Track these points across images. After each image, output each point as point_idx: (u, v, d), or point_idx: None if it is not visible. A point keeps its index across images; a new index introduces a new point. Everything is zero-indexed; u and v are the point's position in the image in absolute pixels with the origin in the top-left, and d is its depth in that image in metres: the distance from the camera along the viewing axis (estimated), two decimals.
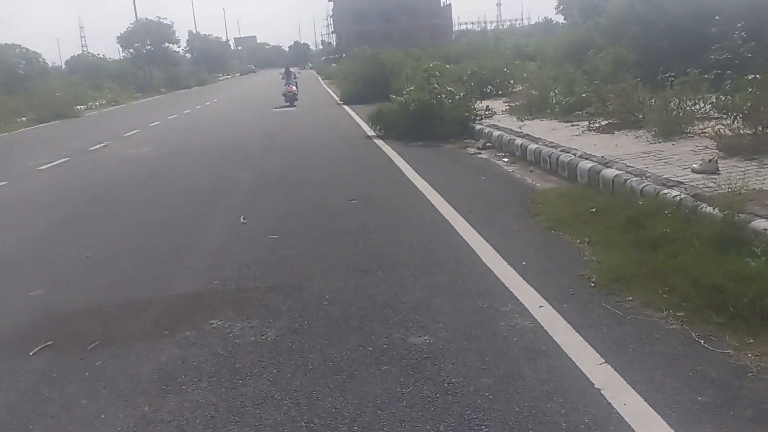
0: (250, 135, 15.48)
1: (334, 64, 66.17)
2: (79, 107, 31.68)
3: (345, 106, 22.59)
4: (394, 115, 13.19)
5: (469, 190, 7.72)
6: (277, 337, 3.86)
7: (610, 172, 6.81)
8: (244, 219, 6.76)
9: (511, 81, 17.97)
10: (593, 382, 3.16)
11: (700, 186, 5.75)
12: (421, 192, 7.70)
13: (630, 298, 4.11)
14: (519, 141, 9.71)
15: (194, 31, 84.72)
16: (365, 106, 20.88)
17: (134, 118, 24.41)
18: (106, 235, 6.59)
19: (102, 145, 15.23)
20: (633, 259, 4.63)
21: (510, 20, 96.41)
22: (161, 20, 57.01)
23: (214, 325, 4.07)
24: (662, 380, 3.14)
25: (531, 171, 8.62)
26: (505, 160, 9.64)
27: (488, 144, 10.91)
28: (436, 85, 12.84)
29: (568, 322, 3.83)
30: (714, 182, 5.80)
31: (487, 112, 12.92)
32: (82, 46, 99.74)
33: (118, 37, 55.58)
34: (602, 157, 7.51)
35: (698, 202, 5.30)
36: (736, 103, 7.57)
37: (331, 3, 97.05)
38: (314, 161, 10.67)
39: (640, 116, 9.38)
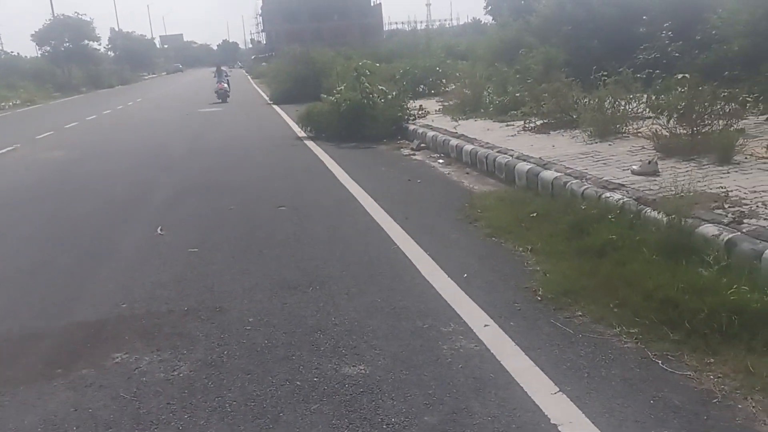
0: (174, 137, 14.70)
1: (264, 63, 64.94)
2: None
3: (275, 106, 21.96)
4: (324, 116, 12.73)
5: (404, 194, 7.36)
6: (191, 372, 3.37)
7: (549, 174, 6.57)
8: (161, 230, 6.18)
9: (444, 80, 17.79)
10: (548, 416, 2.82)
11: (642, 189, 5.56)
12: (353, 197, 7.28)
13: (580, 314, 3.81)
14: (454, 142, 9.43)
15: (117, 29, 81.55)
16: (295, 105, 20.30)
17: (49, 119, 23.00)
18: None
19: (10, 148, 14.14)
20: (580, 269, 4.35)
21: (439, 20, 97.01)
22: (80, 16, 54.46)
23: (117, 360, 3.54)
24: (623, 411, 2.83)
25: (467, 173, 8.34)
26: (441, 161, 9.34)
27: (422, 145, 10.60)
28: (368, 85, 12.46)
29: (516, 344, 3.50)
30: (655, 184, 5.64)
31: (420, 112, 12.63)
32: None
33: (32, 35, 52.72)
34: (540, 158, 7.29)
35: (642, 206, 5.09)
36: (671, 103, 7.48)
37: (261, 1, 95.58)
38: (241, 164, 10.10)
39: (575, 116, 9.27)
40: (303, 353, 3.52)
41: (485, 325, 3.75)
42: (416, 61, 17.74)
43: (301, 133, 13.34)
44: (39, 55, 54.30)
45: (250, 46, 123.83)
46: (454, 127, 10.51)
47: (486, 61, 18.29)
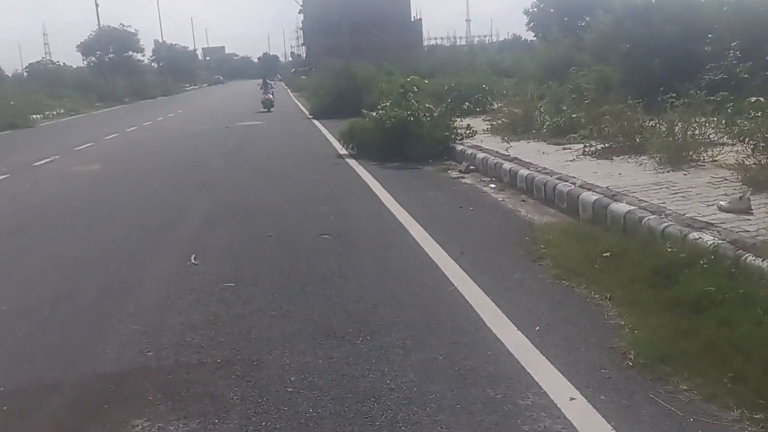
0: (212, 151, 14.35)
1: (303, 77, 65.17)
2: (34, 117, 30.15)
3: (314, 121, 21.60)
4: (367, 133, 12.22)
5: (456, 223, 6.76)
6: None
7: (620, 207, 5.92)
8: (194, 259, 5.68)
9: (489, 98, 17.18)
10: None
11: (736, 229, 4.87)
12: (402, 225, 6.72)
13: (685, 388, 3.17)
14: (507, 165, 8.82)
15: (160, 40, 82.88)
16: (336, 121, 19.95)
17: (90, 130, 23.03)
18: (20, 280, 5.41)
19: (48, 159, 13.95)
20: (674, 327, 3.71)
21: (479, 36, 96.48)
22: (125, 28, 55.37)
23: (137, 429, 3.01)
24: None
25: (523, 200, 7.71)
26: (492, 186, 8.73)
27: (471, 167, 10.00)
28: (414, 102, 11.94)
29: (614, 427, 2.88)
30: (751, 224, 4.95)
31: (468, 132, 12.03)
32: (45, 53, 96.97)
33: (78, 45, 53.71)
34: (607, 187, 6.63)
35: (741, 251, 4.41)
36: (755, 129, 6.77)
37: (302, 15, 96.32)
38: (280, 184, 9.62)
39: (638, 140, 8.59)
40: (355, 428, 2.95)
41: (571, 399, 3.13)
42: (461, 78, 17.16)
43: (343, 151, 12.87)
44: (84, 66, 55.27)
45: (290, 59, 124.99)
46: (506, 149, 9.88)
47: (534, 79, 17.68)
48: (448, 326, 4.07)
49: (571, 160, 8.60)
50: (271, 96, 28.13)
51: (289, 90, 51.13)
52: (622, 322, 3.96)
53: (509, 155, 9.45)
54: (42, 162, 13.59)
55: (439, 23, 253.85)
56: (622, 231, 5.70)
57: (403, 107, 11.87)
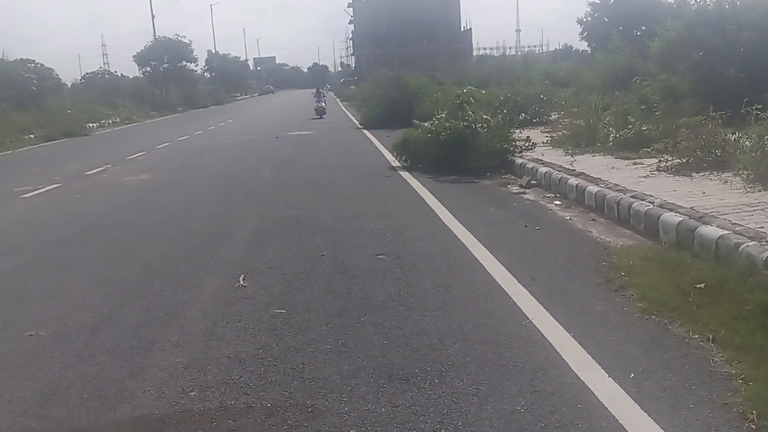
0: (262, 162, 14.12)
1: (352, 87, 65.32)
2: (90, 125, 30.76)
3: (365, 131, 21.28)
4: (422, 145, 11.78)
5: (523, 244, 6.24)
6: None
7: (710, 231, 5.30)
8: (243, 281, 5.31)
9: (545, 109, 16.56)
10: None
11: None
12: (463, 245, 6.23)
13: None
14: (574, 181, 8.24)
15: (213, 51, 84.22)
16: (387, 131, 19.63)
17: (143, 139, 23.24)
18: (62, 300, 5.10)
19: (100, 169, 13.93)
20: None
21: (529, 46, 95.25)
22: (179, 38, 56.31)
23: None
24: None
25: (593, 220, 7.13)
26: (557, 203, 8.17)
27: (533, 182, 9.44)
28: (471, 113, 11.45)
29: None
30: None
31: (527, 144, 11.45)
32: (104, 63, 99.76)
33: (134, 56, 54.83)
34: (692, 208, 6.02)
35: None
36: None
37: (351, 26, 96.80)
38: (332, 198, 9.23)
39: (719, 153, 7.91)
40: None
41: None
42: (517, 88, 16.58)
43: (395, 162, 12.45)
44: (140, 75, 56.39)
45: (339, 69, 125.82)
46: (570, 163, 9.31)
47: (593, 89, 16.98)
48: (527, 369, 3.57)
49: (644, 177, 7.97)
50: (323, 104, 30.29)
51: (338, 100, 51.10)
52: (733, 371, 3.39)
53: (574, 170, 8.87)
54: (94, 171, 13.56)
55: (488, 33, 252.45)
56: (713, 258, 5.09)
57: (459, 118, 11.39)
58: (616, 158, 9.55)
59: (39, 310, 4.86)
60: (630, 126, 10.28)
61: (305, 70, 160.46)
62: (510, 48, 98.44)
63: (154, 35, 54.77)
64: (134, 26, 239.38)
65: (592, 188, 7.68)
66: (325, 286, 5.16)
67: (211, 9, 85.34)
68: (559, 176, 8.74)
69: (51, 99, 35.73)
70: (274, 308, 4.65)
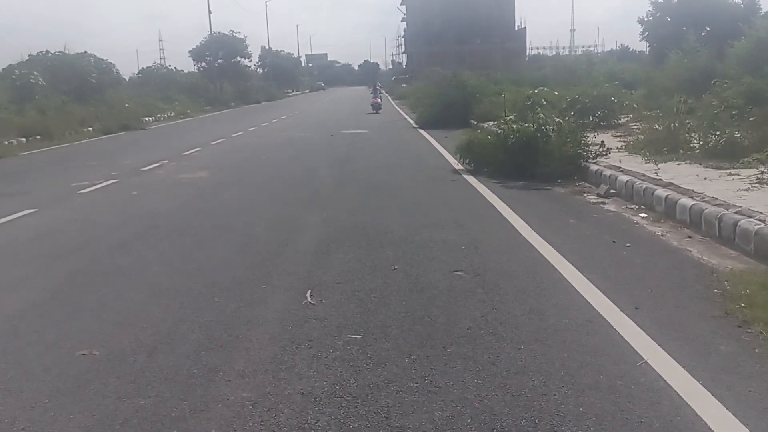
0: (319, 162, 13.72)
1: (404, 85, 64.86)
2: (146, 119, 31.04)
3: (421, 131, 20.74)
4: (487, 148, 11.18)
5: (616, 264, 5.61)
6: None
7: None
8: (310, 297, 4.85)
9: (615, 112, 15.71)
10: None
11: None
12: (548, 263, 5.64)
13: None
14: (662, 192, 7.53)
15: (267, 47, 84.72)
16: (443, 131, 19.10)
17: (198, 134, 23.20)
18: (117, 314, 4.69)
19: (157, 164, 13.74)
20: None
21: (583, 47, 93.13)
22: (234, 34, 56.76)
23: None
24: None
25: (689, 237, 6.44)
26: (643, 215, 7.49)
27: (612, 191, 8.76)
28: (542, 116, 10.79)
29: None
30: None
31: (602, 149, 10.73)
32: (161, 58, 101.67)
33: (190, 51, 55.51)
34: None
35: None
36: None
37: (404, 23, 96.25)
38: (396, 203, 8.71)
39: None
40: None
41: None
42: (584, 89, 15.76)
43: (458, 165, 11.88)
44: (195, 71, 57.01)
45: (390, 67, 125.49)
46: (655, 172, 8.59)
47: (666, 92, 16.08)
48: (657, 428, 2.99)
49: (744, 190, 7.24)
50: (379, 100, 33.14)
51: (390, 98, 50.60)
52: None
53: (661, 179, 8.17)
54: (150, 167, 13.37)
55: (541, 32, 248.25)
56: None
57: (531, 121, 10.76)
58: (706, 167, 8.79)
59: (94, 323, 4.48)
60: (718, 132, 9.48)
61: (356, 68, 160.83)
62: (563, 48, 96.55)
63: (210, 31, 55.36)
64: (191, 22, 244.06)
65: (686, 201, 6.98)
66: (402, 306, 4.65)
67: (266, 5, 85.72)
68: (644, 186, 8.04)
69: (110, 92, 36.26)
70: (348, 333, 4.16)
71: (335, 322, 4.36)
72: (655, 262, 5.68)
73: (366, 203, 8.73)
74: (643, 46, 56.54)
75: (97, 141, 22.38)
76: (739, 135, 9.05)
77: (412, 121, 24.70)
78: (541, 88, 12.96)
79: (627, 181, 8.54)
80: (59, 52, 37.53)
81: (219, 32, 56.40)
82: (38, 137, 21.73)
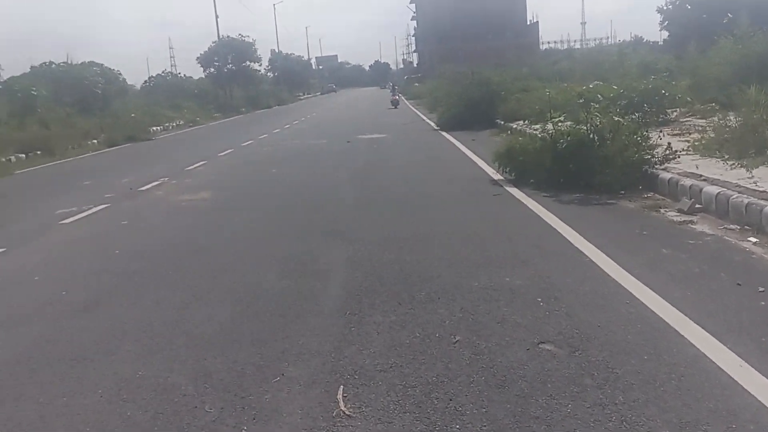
0: (336, 175, 12.20)
1: (416, 84, 63.38)
2: (154, 128, 29.82)
3: (444, 133, 19.20)
4: (532, 155, 9.59)
5: (759, 323, 4.04)
6: None
7: None
8: (343, 401, 3.31)
9: (664, 106, 14.04)
10: None
11: None
12: (669, 326, 4.06)
13: None
14: None
15: (276, 50, 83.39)
16: (469, 133, 17.63)
17: (205, 144, 21.84)
18: (66, 416, 3.24)
19: (156, 183, 12.28)
20: None
21: (595, 39, 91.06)
22: (243, 38, 55.46)
23: None
24: None
25: None
26: (754, 240, 5.90)
27: (698, 206, 7.17)
28: (598, 115, 9.21)
29: None
30: None
31: (668, 152, 9.11)
32: (171, 66, 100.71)
33: (198, 57, 54.26)
34: None
35: None
36: None
37: (414, 22, 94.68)
38: (436, 229, 7.10)
39: None
40: None
41: None
42: (628, 82, 14.07)
43: (495, 175, 10.34)
44: (204, 77, 55.81)
45: (401, 66, 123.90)
46: (754, 182, 7.00)
47: (718, 82, 14.41)
48: None
49: None
50: (397, 97, 37.94)
51: (404, 98, 48.90)
52: None
53: (765, 191, 6.57)
54: (148, 186, 11.92)
55: (551, 26, 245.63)
56: None
57: (583, 121, 9.18)
58: None
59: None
60: None
61: (367, 68, 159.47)
62: (575, 41, 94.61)
63: (218, 35, 54.10)
64: (201, 29, 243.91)
65: None
66: (481, 417, 3.10)
67: (274, 8, 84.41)
68: (745, 201, 6.44)
69: (116, 102, 35.11)
70: None
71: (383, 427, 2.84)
72: None
73: (398, 231, 7.16)
74: (657, 36, 54.88)
75: (100, 155, 21.09)
76: None
77: (432, 123, 23.12)
78: (597, 82, 11.36)
79: (718, 193, 6.93)
80: (63, 63, 36.48)
81: (227, 36, 55.15)
82: (39, 152, 20.54)
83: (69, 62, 36.45)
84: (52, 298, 5.44)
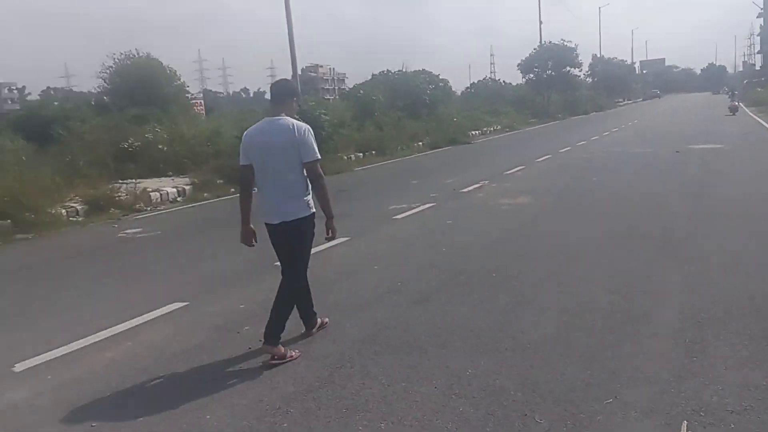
0: (664, 187, 11.30)
1: (759, 89, 56.06)
2: (473, 132, 31.12)
3: None
4: None
5: None
6: None
7: None
8: None
9: None
10: None
11: None
12: None
13: None
14: None
15: (598, 54, 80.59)
16: None
17: (522, 149, 22.05)
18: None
19: (477, 186, 12.74)
20: None
21: None
22: (565, 44, 54.73)
23: None
24: None
25: None
26: None
27: None
28: None
29: None
30: None
31: None
32: (491, 72, 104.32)
33: (518, 63, 55.00)
34: None
35: None
36: None
37: (760, 19, 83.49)
38: None
39: None
40: None
41: None
42: None
43: None
44: (522, 83, 56.44)
45: (740, 69, 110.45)
46: None
47: None
48: None
49: None
50: (736, 103, 35.65)
51: (742, 104, 43.49)
52: None
53: None
54: (470, 188, 12.42)
55: None
56: None
57: None
58: None
59: None
60: None
61: (698, 72, 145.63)
62: None
63: (540, 41, 54.14)
64: (521, 35, 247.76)
65: None
66: None
67: (599, 11, 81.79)
68: None
69: (441, 108, 37.43)
70: None
71: None
72: None
73: (743, 252, 6.33)
74: None
75: (424, 156, 22.63)
76: None
77: None
78: None
79: None
80: (399, 71, 40.02)
81: (549, 42, 54.95)
82: (373, 152, 22.89)
83: (404, 70, 39.83)
84: (390, 287, 5.95)
